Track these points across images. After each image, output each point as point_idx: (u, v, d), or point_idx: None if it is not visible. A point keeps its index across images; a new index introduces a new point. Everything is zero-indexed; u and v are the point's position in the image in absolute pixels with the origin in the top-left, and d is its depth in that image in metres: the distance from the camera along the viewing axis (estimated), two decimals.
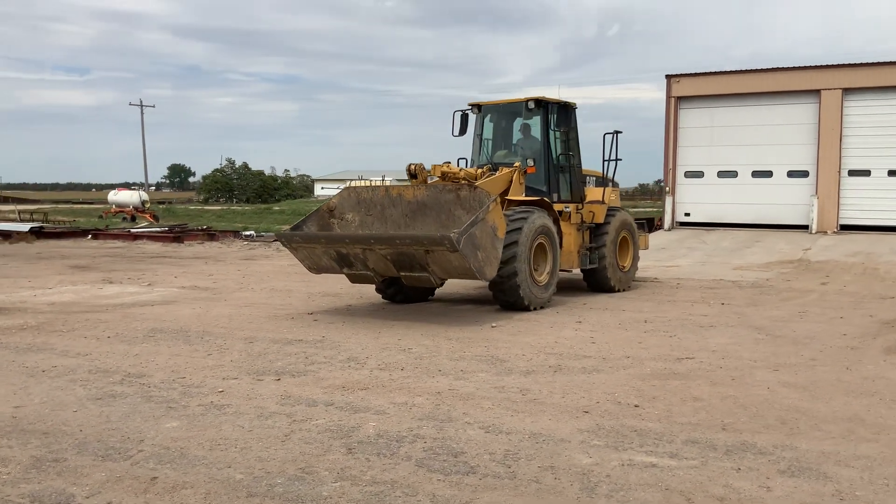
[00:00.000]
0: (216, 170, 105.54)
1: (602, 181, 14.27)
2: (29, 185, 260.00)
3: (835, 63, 23.61)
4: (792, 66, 23.99)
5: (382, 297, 12.68)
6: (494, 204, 10.32)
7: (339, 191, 12.67)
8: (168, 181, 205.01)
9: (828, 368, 7.89)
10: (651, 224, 27.53)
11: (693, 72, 25.63)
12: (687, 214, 25.98)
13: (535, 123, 13.10)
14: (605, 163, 13.79)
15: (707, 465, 5.08)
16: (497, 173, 12.22)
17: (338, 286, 14.63)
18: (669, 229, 25.72)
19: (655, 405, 6.55)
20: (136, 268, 19.11)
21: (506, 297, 11.35)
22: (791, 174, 24.58)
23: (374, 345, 9.13)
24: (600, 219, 13.63)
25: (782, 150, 24.37)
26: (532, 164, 12.55)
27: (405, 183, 12.08)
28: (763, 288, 14.57)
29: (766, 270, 17.67)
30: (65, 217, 47.82)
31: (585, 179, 14.18)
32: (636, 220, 15.40)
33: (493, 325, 10.45)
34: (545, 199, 12.35)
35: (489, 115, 13.63)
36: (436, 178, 12.00)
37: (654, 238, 24.45)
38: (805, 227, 24.05)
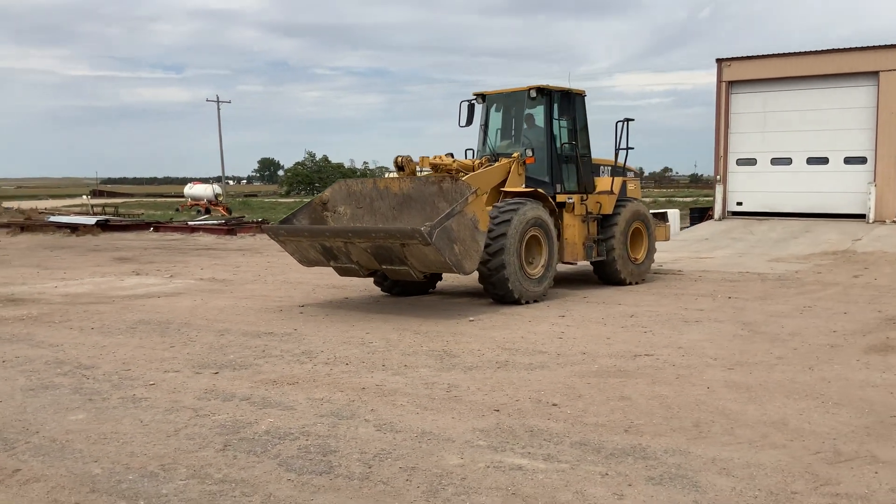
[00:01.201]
0: (297, 163, 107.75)
1: (616, 170, 13.82)
2: (129, 180, 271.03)
3: (894, 43, 22.28)
4: (849, 46, 22.79)
5: (381, 290, 12.64)
6: (474, 196, 10.12)
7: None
8: (258, 174, 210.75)
9: (788, 368, 7.46)
10: (703, 214, 26.71)
11: (745, 55, 24.64)
12: (739, 204, 25.04)
13: (539, 112, 12.79)
14: (617, 152, 13.41)
15: (575, 469, 4.87)
16: (494, 164, 12.02)
17: (347, 278, 14.66)
18: (720, 219, 24.86)
19: (575, 404, 6.32)
20: (174, 259, 19.64)
21: (495, 291, 11.12)
22: (848, 161, 23.38)
23: (339, 338, 9.11)
24: (608, 210, 13.20)
25: (839, 135, 23.20)
26: (531, 154, 12.27)
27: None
28: (787, 281, 13.92)
29: (803, 262, 16.88)
30: (141, 210, 49.61)
31: (601, 169, 13.70)
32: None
33: (471, 318, 10.29)
34: (539, 190, 12.04)
35: (493, 105, 13.38)
36: (427, 170, 11.91)
37: (700, 229, 23.71)
38: (862, 217, 22.87)
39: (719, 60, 24.82)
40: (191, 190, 53.38)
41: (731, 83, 24.74)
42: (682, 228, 24.70)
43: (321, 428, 5.74)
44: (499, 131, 13.33)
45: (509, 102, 13.25)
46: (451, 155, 12.41)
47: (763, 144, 24.48)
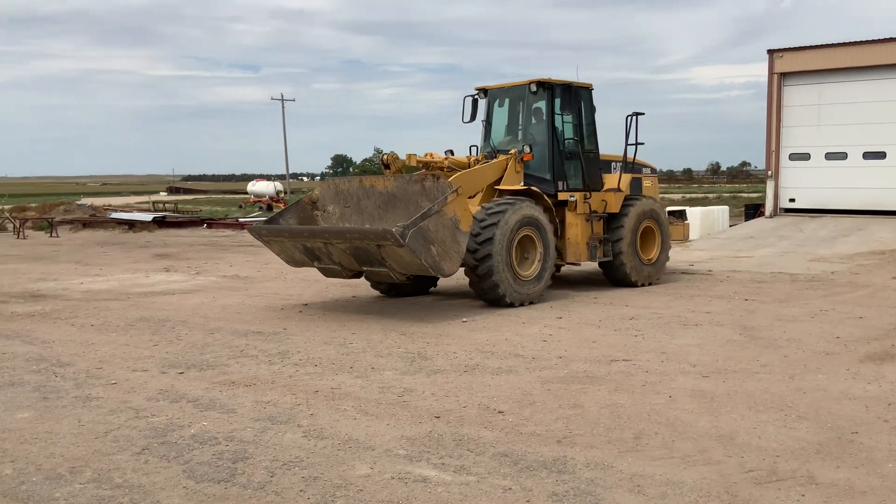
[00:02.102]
0: (365, 160, 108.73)
1: (631, 167, 13.35)
2: (208, 177, 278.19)
3: None
4: None
5: (378, 292, 12.42)
6: (454, 195, 9.79)
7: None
8: (331, 171, 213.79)
9: (768, 377, 7.06)
10: (756, 210, 25.81)
11: (798, 45, 23.65)
12: (792, 200, 24.07)
13: (542, 107, 12.46)
14: (627, 147, 12.99)
15: (480, 483, 4.67)
16: (490, 161, 11.77)
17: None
18: (771, 216, 23.93)
19: (522, 412, 6.11)
20: (212, 256, 19.95)
21: (484, 294, 10.82)
22: None
23: (322, 338, 9.05)
24: (615, 208, 12.72)
25: None
26: (529, 150, 11.87)
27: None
28: (818, 282, 13.27)
29: (845, 262, 16.10)
30: (203, 207, 50.77)
31: (611, 166, 13.27)
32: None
33: (464, 320, 10.11)
34: (532, 187, 11.69)
35: (496, 100, 13.03)
36: (420, 168, 11.70)
37: (747, 227, 22.93)
38: None
39: (771, 51, 23.88)
40: (253, 187, 54.37)
41: (783, 75, 23.78)
42: (731, 226, 23.93)
43: (248, 433, 5.66)
44: (496, 127, 13.00)
45: (511, 97, 12.84)
46: (452, 152, 12.18)
47: (817, 138, 23.46)
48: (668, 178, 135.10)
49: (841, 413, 5.97)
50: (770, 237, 20.48)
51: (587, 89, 12.77)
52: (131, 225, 31.95)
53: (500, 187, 11.61)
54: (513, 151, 11.84)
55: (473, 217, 10.50)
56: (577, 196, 12.27)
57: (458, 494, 4.51)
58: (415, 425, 5.81)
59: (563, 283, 13.69)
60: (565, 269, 14.93)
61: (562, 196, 12.16)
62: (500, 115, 12.99)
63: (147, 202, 50.72)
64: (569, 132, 12.54)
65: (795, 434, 5.52)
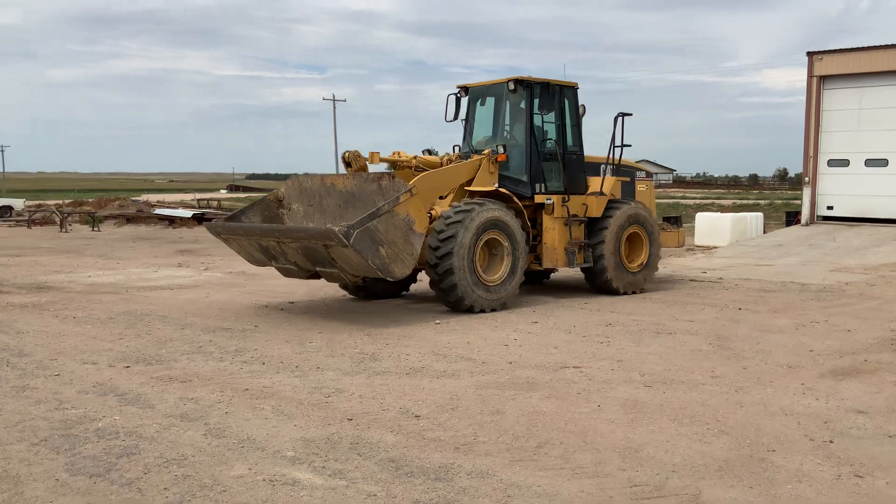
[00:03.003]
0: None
1: (621, 170, 12.98)
2: (272, 176, 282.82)
3: None
4: None
5: (348, 293, 12.23)
6: (407, 195, 9.56)
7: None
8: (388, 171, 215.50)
9: (713, 389, 6.79)
10: (794, 217, 25.03)
11: (839, 48, 22.82)
12: (830, 208, 23.23)
13: (520, 106, 12.10)
14: (613, 148, 12.55)
15: (349, 488, 4.57)
16: (462, 161, 11.49)
17: None
18: (807, 224, 23.15)
19: (438, 417, 5.98)
20: (231, 252, 20.13)
21: (445, 298, 10.47)
22: None
23: (286, 337, 9.04)
24: (596, 212, 12.18)
25: None
26: (503, 151, 11.58)
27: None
28: (826, 293, 12.76)
29: (868, 273, 15.47)
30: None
31: (601, 168, 12.63)
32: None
33: (438, 322, 9.99)
34: (501, 189, 11.33)
35: (476, 99, 12.72)
36: (383, 167, 11.53)
37: (778, 234, 22.25)
38: None
39: (810, 53, 23.10)
40: None
41: (822, 78, 22.98)
42: (765, 232, 23.26)
43: (152, 430, 5.65)
44: (480, 126, 12.71)
45: (490, 96, 12.51)
46: (429, 151, 12.03)
47: (857, 144, 22.60)
48: (733, 183, 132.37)
49: (768, 429, 5.69)
50: (799, 246, 19.82)
51: (572, 88, 12.40)
52: (171, 221, 32.61)
53: (471, 188, 11.33)
54: (486, 152, 11.57)
55: (440, 216, 10.33)
56: (555, 199, 11.85)
57: (319, 499, 4.42)
58: (321, 427, 5.72)
59: (557, 288, 13.45)
60: (562, 274, 14.69)
61: (538, 199, 11.80)
62: (480, 114, 12.69)
63: (204, 199, 51.59)
64: (549, 132, 12.18)
65: (706, 449, 5.27)
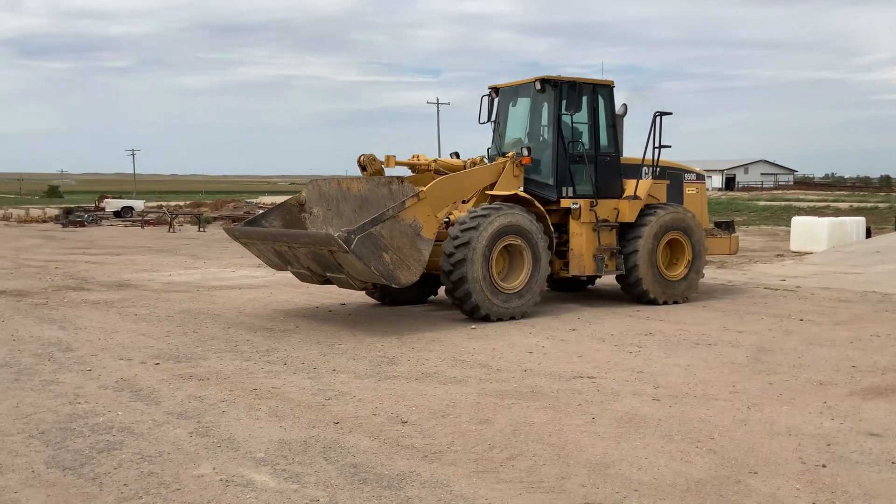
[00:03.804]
0: None
1: (664, 172, 12.35)
2: None
3: None
4: None
5: (374, 299, 12.01)
6: (414, 200, 9.29)
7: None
8: None
9: (725, 405, 6.49)
10: None
11: None
12: None
13: (548, 107, 11.64)
14: (653, 150, 11.93)
15: (298, 493, 4.64)
16: (486, 165, 11.23)
17: None
18: None
19: (426, 424, 5.98)
20: None
21: (460, 305, 10.14)
22: None
23: (319, 338, 9.24)
24: (629, 217, 11.59)
25: None
26: (527, 153, 11.11)
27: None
28: None
29: None
30: None
31: (642, 171, 12.03)
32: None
33: (473, 327, 9.95)
34: (520, 192, 10.90)
35: (505, 99, 12.36)
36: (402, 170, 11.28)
37: (882, 240, 21.02)
38: None
39: None
40: None
41: None
42: (869, 237, 22.01)
43: (144, 426, 5.89)
44: (509, 128, 12.33)
45: (519, 96, 12.19)
46: (457, 154, 11.75)
47: None
48: (862, 185, 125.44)
49: (762, 450, 5.40)
50: None
51: (607, 87, 11.89)
52: None
53: (493, 192, 10.96)
54: (510, 154, 11.22)
55: (456, 221, 10.18)
56: (582, 203, 11.33)
57: (262, 501, 4.50)
58: (305, 430, 5.82)
59: (610, 296, 13.12)
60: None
61: (564, 203, 11.33)
62: (509, 116, 12.36)
63: None
64: (580, 133, 11.69)
65: (683, 469, 5.05)
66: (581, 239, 11.37)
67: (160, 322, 10.30)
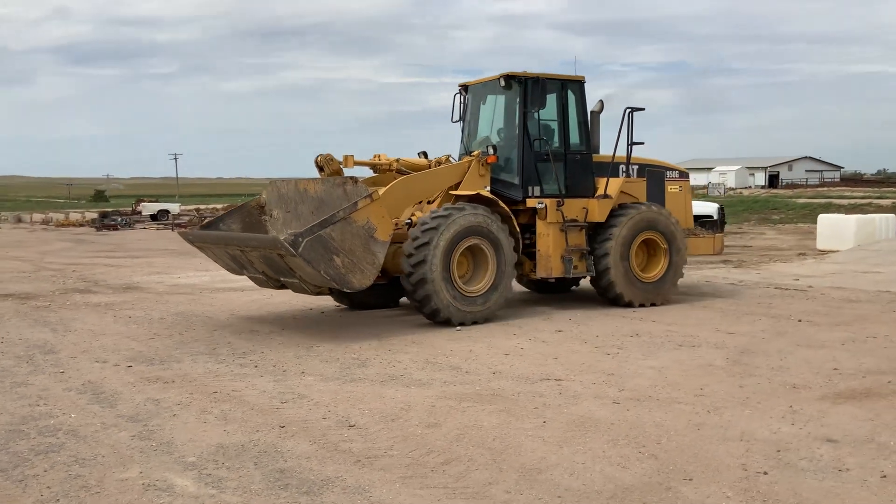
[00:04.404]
0: None
1: (640, 170, 12.04)
2: None
3: None
4: None
5: (339, 303, 11.65)
6: (367, 201, 9.00)
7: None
8: None
9: (684, 409, 6.32)
10: None
11: None
12: None
13: (513, 104, 11.25)
14: (628, 147, 11.57)
15: (213, 498, 4.62)
16: (450, 164, 10.99)
17: None
18: None
19: (372, 428, 5.92)
20: None
21: (420, 308, 9.86)
22: None
23: (300, 341, 9.23)
24: (598, 217, 11.19)
25: None
26: (493, 152, 10.80)
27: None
28: None
29: None
30: None
31: (620, 169, 11.71)
32: None
33: (458, 328, 9.86)
34: (482, 192, 10.54)
35: (473, 97, 12.03)
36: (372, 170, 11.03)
37: None
38: None
39: None
40: None
41: None
42: None
43: (91, 429, 5.91)
44: (476, 126, 12.04)
45: (487, 94, 11.84)
46: (425, 154, 11.45)
47: None
48: None
49: (706, 456, 5.23)
50: None
51: (577, 82, 11.50)
52: None
53: (457, 192, 10.60)
54: (476, 153, 10.92)
55: (418, 221, 9.94)
56: (548, 203, 10.96)
57: None
58: (247, 433, 5.79)
59: None
60: None
61: (530, 203, 10.96)
62: (476, 114, 12.04)
63: None
64: (546, 131, 11.34)
65: (617, 475, 4.91)
66: (548, 239, 11.00)
67: (150, 324, 10.38)
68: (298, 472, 5.00)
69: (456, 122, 12.21)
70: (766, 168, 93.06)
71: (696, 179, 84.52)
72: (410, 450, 5.41)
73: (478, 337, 9.32)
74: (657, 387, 6.97)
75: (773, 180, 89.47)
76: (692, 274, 15.94)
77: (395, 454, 5.33)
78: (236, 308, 11.69)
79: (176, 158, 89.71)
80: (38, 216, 53.18)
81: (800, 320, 10.24)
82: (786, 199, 51.81)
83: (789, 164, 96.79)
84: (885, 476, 4.86)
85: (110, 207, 63.04)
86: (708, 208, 24.41)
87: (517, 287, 12.57)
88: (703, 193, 61.55)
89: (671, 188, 12.50)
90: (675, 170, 12.71)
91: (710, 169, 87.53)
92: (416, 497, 4.60)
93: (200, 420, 6.13)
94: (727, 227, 29.21)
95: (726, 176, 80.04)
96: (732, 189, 71.22)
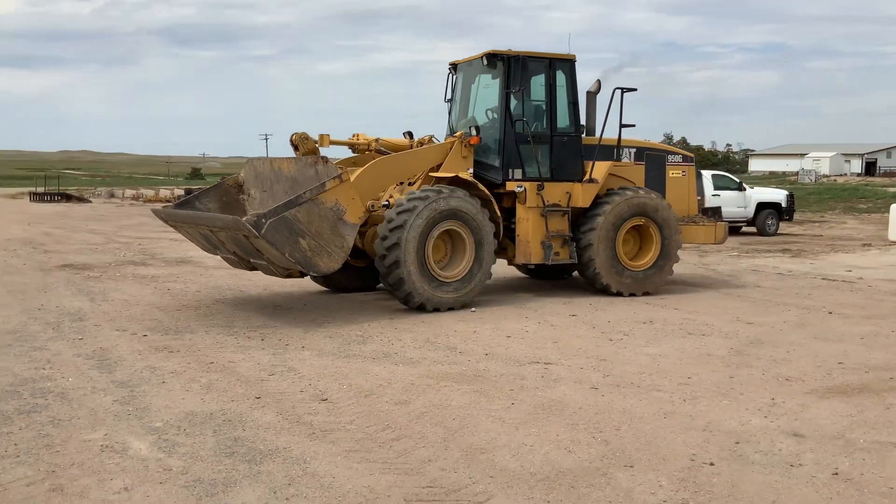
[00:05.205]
0: None
1: (638, 153, 11.65)
2: None
3: None
4: None
5: (324, 287, 11.50)
6: (336, 182, 8.76)
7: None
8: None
9: (661, 396, 6.24)
10: None
11: None
12: None
13: (496, 83, 10.92)
14: (620, 128, 11.21)
15: (158, 462, 4.83)
16: (432, 145, 10.83)
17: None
18: None
19: (342, 402, 6.07)
20: None
21: (394, 292, 9.67)
22: None
23: (315, 317, 9.48)
24: (581, 202, 10.80)
25: None
26: (475, 133, 10.47)
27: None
28: None
29: None
30: None
31: (615, 152, 11.37)
32: None
33: (473, 310, 9.89)
34: (460, 175, 10.22)
35: (461, 76, 11.68)
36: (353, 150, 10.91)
37: None
38: None
39: None
40: None
41: None
42: None
43: (81, 393, 6.24)
44: (461, 106, 11.70)
45: (474, 73, 11.45)
46: (410, 134, 11.27)
47: None
48: None
49: (660, 445, 5.17)
50: None
51: (567, 61, 11.05)
52: None
53: (437, 174, 10.30)
54: (458, 134, 10.60)
55: (395, 203, 9.76)
56: (528, 186, 10.59)
57: (118, 467, 4.70)
58: (223, 403, 6.01)
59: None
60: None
61: (510, 186, 10.61)
62: (464, 94, 11.67)
63: None
64: (532, 112, 10.97)
65: (559, 458, 4.92)
66: (527, 224, 10.64)
67: (184, 296, 10.79)
68: (251, 441, 5.18)
69: (448, 101, 11.93)
70: (863, 155, 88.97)
71: (788, 166, 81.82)
72: (368, 425, 5.52)
73: (488, 318, 9.35)
74: (643, 374, 6.89)
75: (869, 167, 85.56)
76: (740, 262, 15.55)
77: (352, 428, 5.45)
78: (272, 284, 12.00)
79: (266, 139, 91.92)
80: (129, 192, 55.48)
81: (830, 312, 9.89)
82: (878, 187, 49.55)
83: (888, 150, 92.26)
84: (836, 473, 4.71)
85: (203, 185, 65.09)
86: (775, 195, 23.67)
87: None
88: (793, 181, 59.41)
89: (673, 173, 12.02)
90: (678, 153, 12.27)
91: (803, 155, 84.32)
92: (350, 470, 4.71)
93: (184, 388, 6.38)
94: (799, 216, 28.24)
95: (820, 162, 76.87)
96: (826, 176, 68.43)
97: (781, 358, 7.49)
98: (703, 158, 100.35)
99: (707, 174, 23.53)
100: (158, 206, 19.88)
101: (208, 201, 10.61)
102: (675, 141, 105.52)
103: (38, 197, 46.12)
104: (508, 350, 7.77)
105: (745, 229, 23.70)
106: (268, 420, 5.61)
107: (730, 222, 23.48)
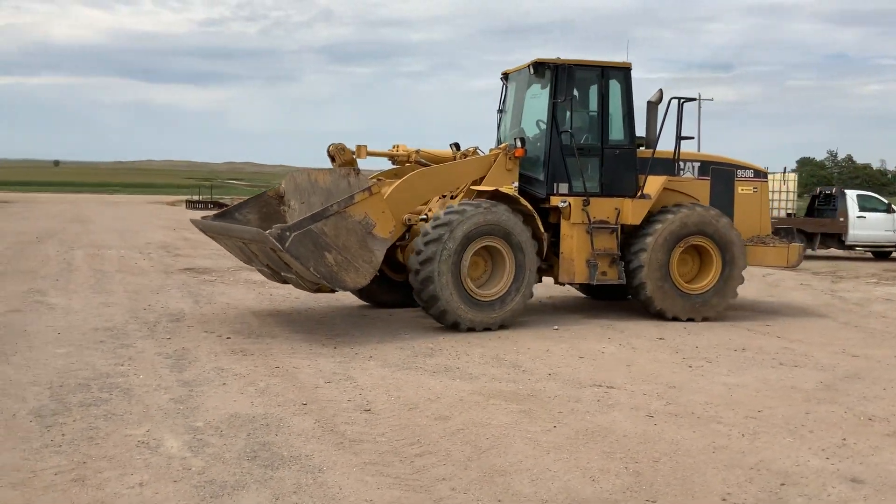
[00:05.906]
0: (815, 163, 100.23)
1: (702, 167, 10.84)
2: None
3: None
4: None
5: (368, 303, 11.20)
6: (365, 195, 8.51)
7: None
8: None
9: (718, 430, 5.83)
10: None
11: None
12: None
13: (544, 93, 10.39)
14: (675, 142, 10.61)
15: (183, 460, 4.97)
16: (476, 157, 10.38)
17: None
18: None
19: (383, 414, 6.05)
20: None
21: (428, 310, 9.27)
22: None
23: (393, 330, 9.50)
24: (631, 219, 10.15)
25: None
26: (520, 144, 9.99)
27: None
28: None
29: None
30: None
31: (676, 166, 10.73)
32: None
33: (556, 328, 9.65)
34: (501, 189, 9.70)
35: (513, 85, 11.17)
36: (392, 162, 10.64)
37: None
38: None
39: None
40: None
41: None
42: None
43: (143, 390, 6.54)
44: (510, 116, 11.21)
45: (522, 82, 10.94)
46: (457, 146, 10.82)
47: None
48: None
49: (697, 481, 4.84)
50: None
51: (622, 70, 10.44)
52: None
53: (478, 188, 9.85)
54: (503, 145, 10.19)
55: (432, 217, 9.39)
56: (572, 201, 10.02)
57: (143, 463, 4.88)
58: (268, 407, 6.13)
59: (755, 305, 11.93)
60: (754, 290, 12.92)
61: (553, 201, 10.06)
62: (514, 104, 11.16)
63: None
64: (582, 123, 10.45)
65: (580, 487, 4.69)
66: (571, 242, 10.06)
67: (282, 302, 11.15)
68: (277, 447, 5.24)
69: (499, 112, 11.54)
70: None
71: None
72: (398, 438, 5.47)
73: (567, 337, 9.10)
74: (710, 404, 6.47)
75: None
76: (876, 290, 14.45)
77: (382, 441, 5.42)
78: (316, 300, 11.60)
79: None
80: None
81: None
82: None
83: None
84: None
85: None
86: None
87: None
88: None
89: (742, 189, 11.10)
90: (750, 168, 11.29)
91: None
92: (360, 483, 4.67)
93: (240, 391, 6.55)
94: None
95: None
96: None
97: (874, 395, 6.85)
98: (869, 178, 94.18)
99: (852, 194, 22.03)
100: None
101: (248, 212, 10.54)
102: (839, 158, 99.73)
103: (192, 204, 49.15)
104: (575, 371, 7.52)
105: (895, 255, 22.01)
106: (304, 427, 5.67)
107: (876, 247, 22.07)
